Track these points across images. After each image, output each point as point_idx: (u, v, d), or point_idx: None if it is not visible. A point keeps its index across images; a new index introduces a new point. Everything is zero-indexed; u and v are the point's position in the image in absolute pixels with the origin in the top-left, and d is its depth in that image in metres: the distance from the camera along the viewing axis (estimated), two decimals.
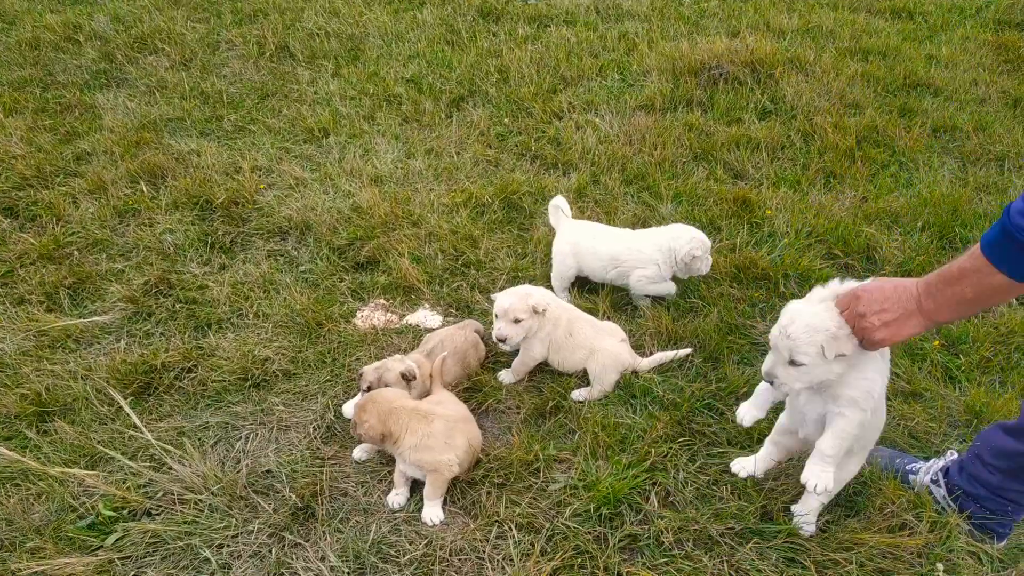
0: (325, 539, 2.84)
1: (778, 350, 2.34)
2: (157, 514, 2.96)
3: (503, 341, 3.47)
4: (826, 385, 2.38)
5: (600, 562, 2.68)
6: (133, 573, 2.74)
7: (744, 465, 2.89)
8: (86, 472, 3.06)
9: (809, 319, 2.25)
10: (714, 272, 4.20)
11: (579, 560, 2.71)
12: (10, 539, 2.88)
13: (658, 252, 3.93)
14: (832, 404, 2.41)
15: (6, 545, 2.86)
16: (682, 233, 3.93)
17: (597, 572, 2.66)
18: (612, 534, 2.79)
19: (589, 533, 2.80)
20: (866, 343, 2.19)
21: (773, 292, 4.06)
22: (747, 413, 2.70)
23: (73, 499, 3.02)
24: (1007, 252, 1.84)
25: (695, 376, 3.54)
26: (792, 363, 2.32)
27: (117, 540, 2.86)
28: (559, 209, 4.21)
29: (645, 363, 3.58)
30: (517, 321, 3.44)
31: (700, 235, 3.93)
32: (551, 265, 4.19)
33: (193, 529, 2.88)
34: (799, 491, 2.87)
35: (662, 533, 2.75)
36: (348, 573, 2.71)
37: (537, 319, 3.49)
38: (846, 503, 2.87)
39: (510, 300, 3.47)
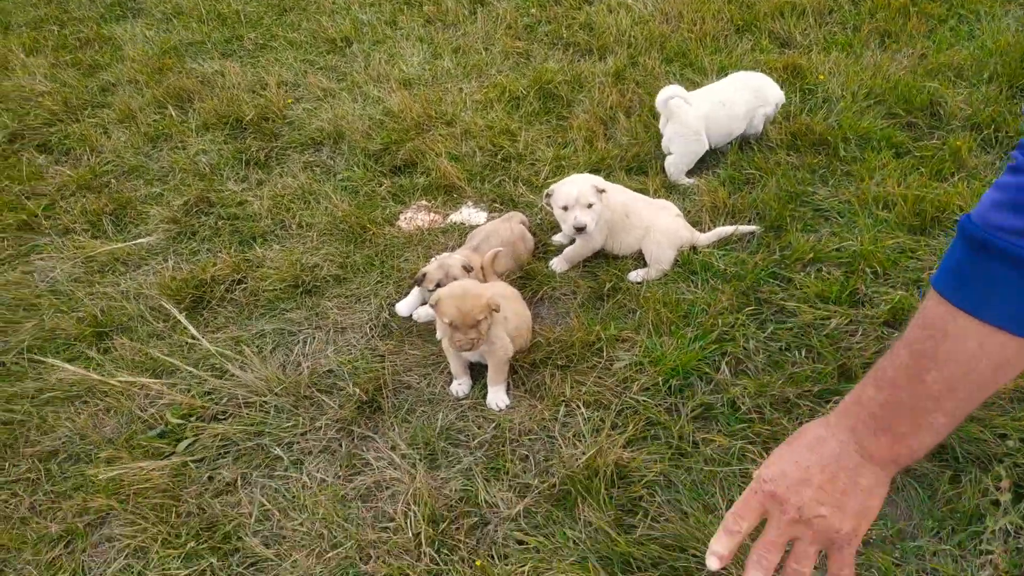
0: (393, 430, 2.82)
1: None
2: (224, 419, 2.97)
3: (582, 229, 3.30)
4: None
5: (674, 431, 2.61)
6: (208, 474, 2.76)
7: None
8: (150, 380, 3.08)
9: None
10: (768, 140, 3.99)
11: (652, 431, 2.65)
12: (85, 452, 2.92)
13: (760, 90, 3.98)
14: None
15: (82, 457, 2.90)
16: (752, 73, 4.07)
17: (672, 441, 2.60)
18: (684, 404, 2.71)
19: (659, 405, 2.73)
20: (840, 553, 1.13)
21: (833, 156, 3.84)
22: None
23: (140, 411, 3.04)
24: (985, 278, 1.00)
25: (757, 247, 3.39)
26: None
27: (188, 446, 2.87)
28: (671, 98, 3.79)
29: (704, 238, 3.44)
30: (590, 206, 3.31)
31: None
32: (666, 152, 3.95)
33: (262, 429, 2.88)
34: (877, 350, 2.76)
35: (737, 399, 2.67)
36: (419, 459, 2.69)
37: (601, 201, 3.35)
38: None
39: (576, 187, 3.31)
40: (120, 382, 3.06)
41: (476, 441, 2.75)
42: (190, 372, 3.12)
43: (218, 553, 2.50)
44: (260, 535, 2.53)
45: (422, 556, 2.37)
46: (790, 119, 4.10)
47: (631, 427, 2.64)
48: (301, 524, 2.54)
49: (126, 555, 2.53)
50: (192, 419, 2.97)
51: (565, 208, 3.33)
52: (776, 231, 3.46)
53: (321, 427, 2.86)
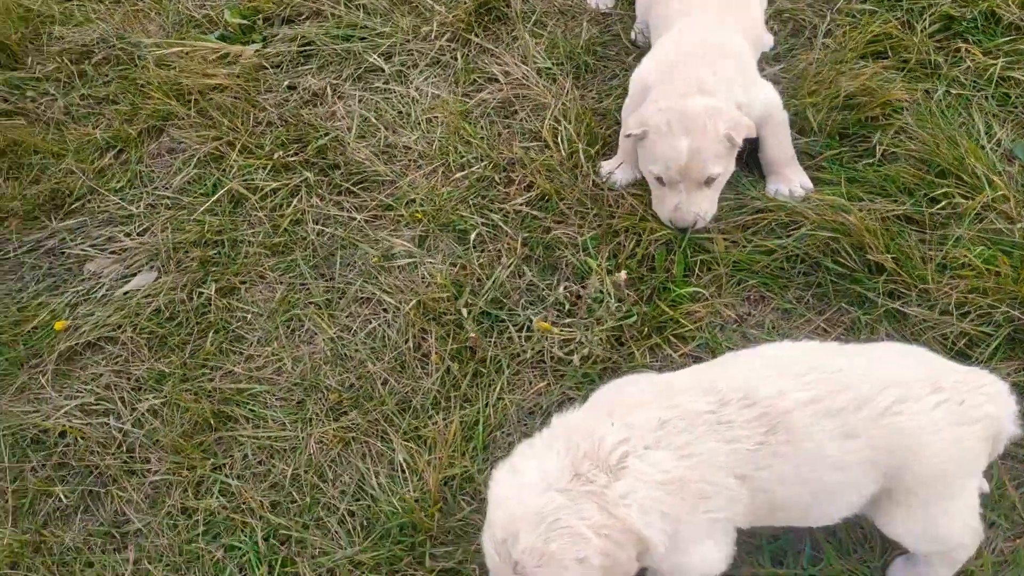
0: (523, 39, 2.17)
1: None
2: (299, 21, 2.32)
3: (686, 230, 1.72)
4: None
5: (915, 45, 1.97)
6: (287, 82, 2.17)
7: None
8: None
9: None
10: None
11: (878, 46, 2.00)
12: (127, 53, 2.30)
13: None
14: None
15: (123, 60, 2.29)
16: None
17: (907, 58, 1.96)
18: (918, 19, 2.04)
19: (892, 20, 2.06)
20: None
21: None
22: None
23: (191, 12, 2.38)
24: None
25: None
26: None
27: (259, 50, 2.25)
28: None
29: None
30: (709, 182, 1.70)
31: None
32: None
33: (350, 34, 2.24)
34: None
35: (997, 9, 1.99)
36: (562, 74, 2.08)
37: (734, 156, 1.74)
38: None
39: (685, 142, 1.63)
40: None
41: (632, 57, 2.12)
42: None
43: (313, 168, 1.98)
44: (367, 148, 1.99)
45: (580, 176, 1.85)
46: None
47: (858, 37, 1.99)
48: (415, 141, 1.99)
49: (195, 164, 2.02)
50: (259, 19, 2.33)
51: (661, 181, 1.71)
52: None
53: (429, 34, 2.22)
